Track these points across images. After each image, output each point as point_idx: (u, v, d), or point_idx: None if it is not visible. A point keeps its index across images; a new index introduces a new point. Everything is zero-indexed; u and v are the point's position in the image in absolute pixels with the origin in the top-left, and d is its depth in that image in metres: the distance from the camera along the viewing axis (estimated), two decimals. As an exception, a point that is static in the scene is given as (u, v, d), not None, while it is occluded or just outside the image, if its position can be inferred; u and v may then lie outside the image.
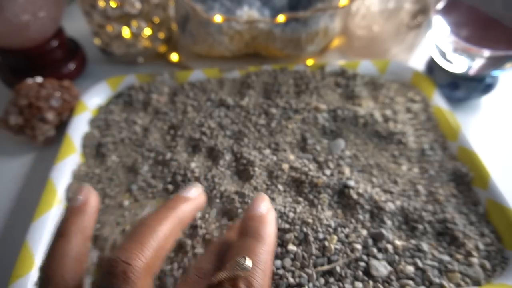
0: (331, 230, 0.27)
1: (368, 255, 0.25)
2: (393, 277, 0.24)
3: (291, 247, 0.26)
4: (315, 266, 0.25)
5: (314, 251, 0.25)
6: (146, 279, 0.18)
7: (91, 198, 0.21)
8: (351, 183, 0.30)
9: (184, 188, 0.23)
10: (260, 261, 0.19)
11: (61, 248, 0.19)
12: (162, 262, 0.19)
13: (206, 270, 0.20)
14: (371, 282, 0.24)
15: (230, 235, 0.23)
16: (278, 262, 0.25)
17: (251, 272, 0.18)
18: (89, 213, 0.20)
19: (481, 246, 0.26)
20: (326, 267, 0.25)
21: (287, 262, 0.25)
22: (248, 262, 0.18)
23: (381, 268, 0.25)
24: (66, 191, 0.32)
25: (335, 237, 0.26)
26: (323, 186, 0.30)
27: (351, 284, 0.24)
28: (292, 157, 0.33)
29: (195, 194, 0.23)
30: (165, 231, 0.19)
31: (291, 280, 0.24)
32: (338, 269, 0.25)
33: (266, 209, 0.22)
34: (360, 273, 0.25)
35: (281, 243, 0.26)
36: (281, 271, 0.25)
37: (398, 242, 0.26)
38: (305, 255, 0.25)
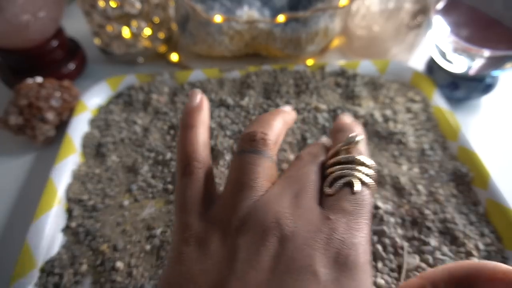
0: None
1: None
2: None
3: None
4: None
5: None
6: (274, 150, 0.22)
7: (205, 99, 0.25)
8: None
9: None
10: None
11: (194, 136, 0.22)
12: (278, 148, 0.24)
13: (317, 153, 0.23)
14: None
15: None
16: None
17: (360, 143, 0.22)
18: (205, 109, 0.24)
19: (481, 246, 0.26)
20: None
21: None
22: (359, 137, 0.22)
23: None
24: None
25: None
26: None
27: None
28: (292, 157, 0.33)
29: (290, 109, 0.27)
30: (281, 123, 0.23)
31: None
32: None
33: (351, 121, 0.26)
34: None
35: None
36: None
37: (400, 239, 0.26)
38: None
